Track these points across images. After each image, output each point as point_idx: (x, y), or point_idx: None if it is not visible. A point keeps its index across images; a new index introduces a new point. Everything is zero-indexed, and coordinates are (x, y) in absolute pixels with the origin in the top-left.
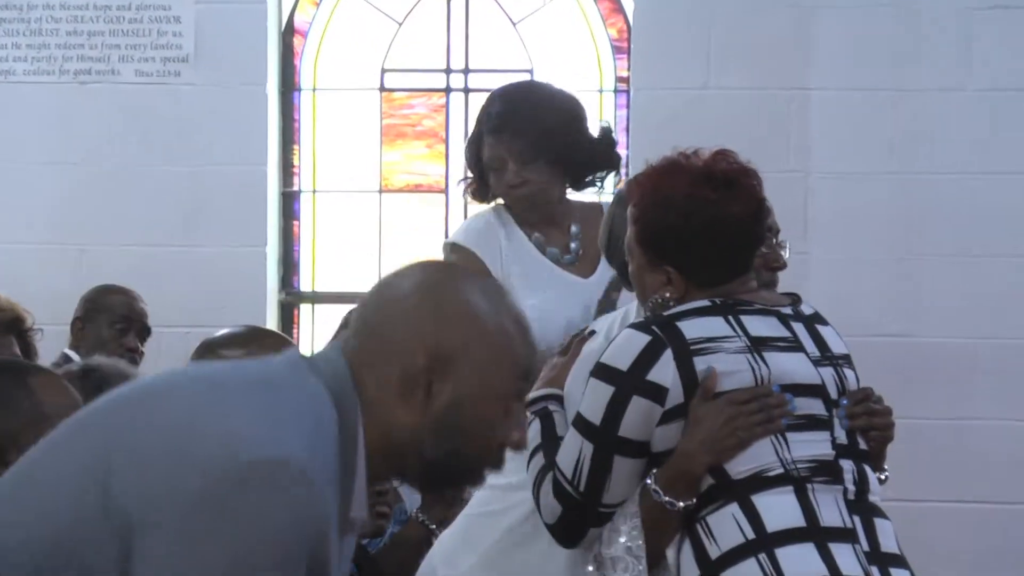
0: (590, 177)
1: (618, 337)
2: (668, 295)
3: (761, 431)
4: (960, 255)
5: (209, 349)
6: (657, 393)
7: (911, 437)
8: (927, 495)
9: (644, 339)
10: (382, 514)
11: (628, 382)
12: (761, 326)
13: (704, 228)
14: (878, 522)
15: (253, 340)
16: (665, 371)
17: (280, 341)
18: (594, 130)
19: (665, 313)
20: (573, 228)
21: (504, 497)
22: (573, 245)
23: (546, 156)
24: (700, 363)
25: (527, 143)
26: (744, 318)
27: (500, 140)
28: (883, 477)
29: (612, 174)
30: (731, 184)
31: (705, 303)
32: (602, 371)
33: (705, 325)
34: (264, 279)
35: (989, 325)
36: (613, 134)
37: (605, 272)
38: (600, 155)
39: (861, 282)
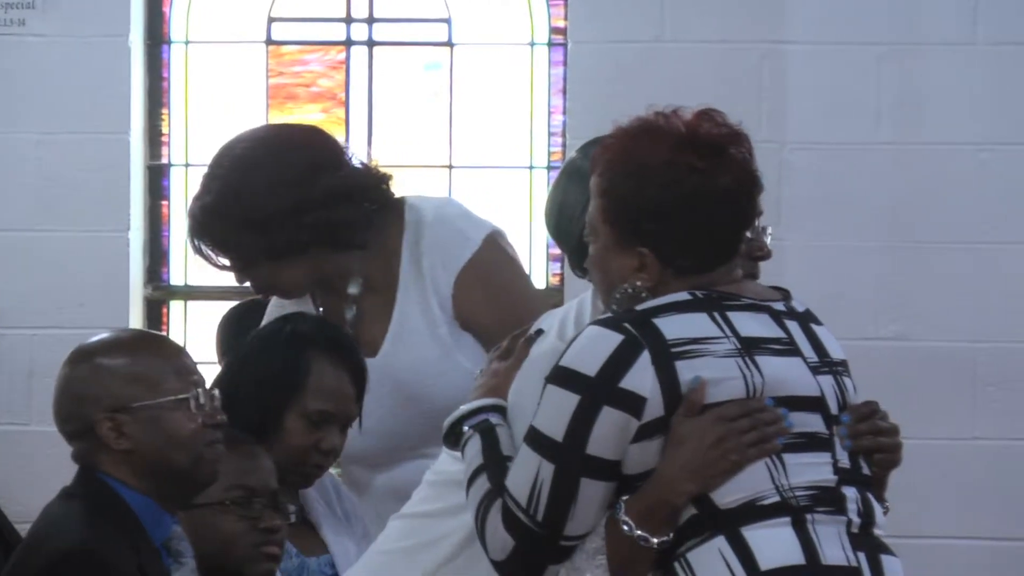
0: (346, 235)
1: (581, 336)
2: (640, 283)
3: (755, 453)
4: (965, 242)
5: (86, 357)
6: (632, 403)
7: (906, 460)
8: (927, 530)
9: (615, 339)
10: (271, 555)
11: (597, 390)
12: (752, 324)
13: (688, 202)
14: (885, 560)
15: (140, 347)
16: (642, 377)
17: (172, 349)
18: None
19: (638, 308)
20: (351, 289)
21: (426, 528)
22: (349, 316)
23: (264, 255)
24: (683, 368)
25: (230, 254)
26: (732, 315)
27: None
28: (884, 508)
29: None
30: (720, 151)
31: (685, 296)
32: (563, 376)
33: (687, 323)
34: (126, 270)
35: (1001, 326)
36: (362, 166)
37: (403, 339)
38: (347, 207)
39: (847, 275)
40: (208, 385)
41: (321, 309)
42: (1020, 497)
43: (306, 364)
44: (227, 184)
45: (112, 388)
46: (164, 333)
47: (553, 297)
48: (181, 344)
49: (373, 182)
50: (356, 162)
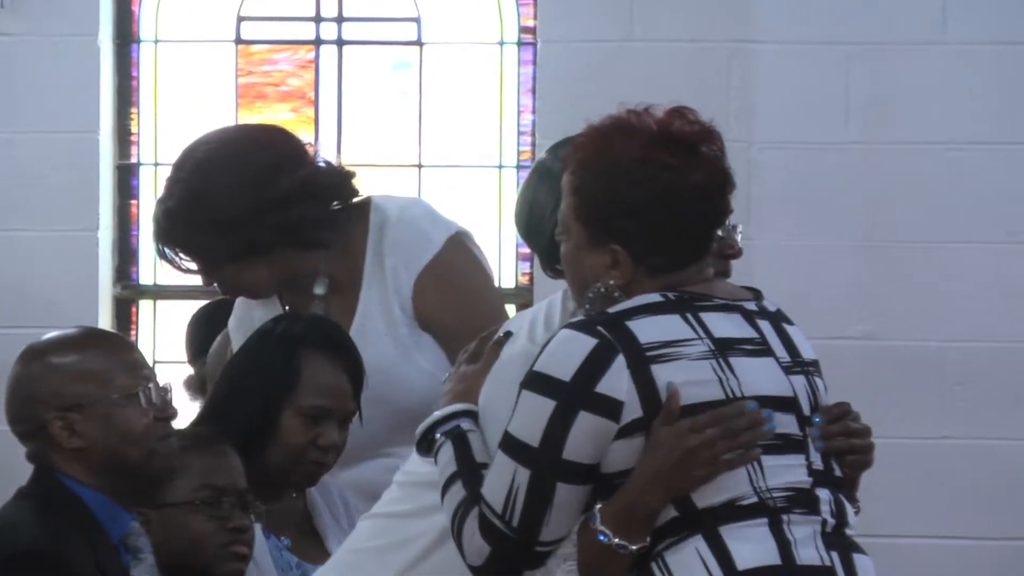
0: (309, 234)
1: (554, 340)
2: (613, 282)
3: (728, 463)
4: (935, 242)
5: (36, 356)
6: (609, 407)
7: (876, 459)
8: (896, 529)
9: (589, 343)
10: (240, 555)
11: (573, 395)
12: (725, 325)
13: (660, 199)
14: (858, 559)
15: (89, 344)
16: (618, 381)
17: (121, 345)
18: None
19: (610, 310)
20: (317, 289)
21: (396, 528)
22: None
23: (228, 256)
24: (659, 371)
25: (194, 257)
26: (705, 316)
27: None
28: (856, 509)
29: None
30: (692, 149)
31: (657, 298)
32: (537, 382)
33: (661, 325)
34: (96, 269)
35: (970, 326)
36: (322, 165)
37: (364, 339)
38: (310, 207)
39: (815, 275)
40: (168, 381)
41: (287, 308)
42: (990, 496)
43: (298, 361)
44: (189, 188)
45: (62, 387)
46: (132, 332)
47: (523, 297)
48: (151, 341)
49: (337, 181)
50: (321, 161)
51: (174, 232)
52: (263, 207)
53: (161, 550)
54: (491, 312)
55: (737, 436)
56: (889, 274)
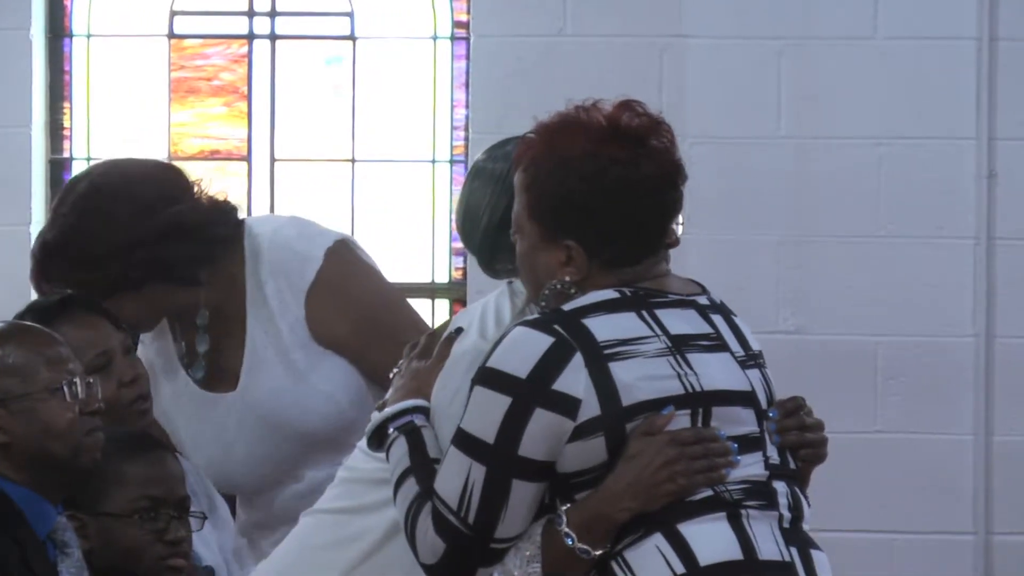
0: (180, 271)
1: (509, 337)
2: (568, 278)
3: (702, 480)
4: (865, 236)
5: None
6: (567, 405)
7: None
8: (828, 523)
9: (546, 341)
10: (176, 568)
11: (529, 392)
12: (680, 321)
13: (612, 193)
14: (815, 555)
15: (11, 339)
16: (575, 379)
17: (44, 339)
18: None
19: (566, 307)
20: (199, 320)
21: (340, 525)
22: (202, 349)
23: (98, 292)
24: (617, 369)
25: (84, 285)
26: (660, 312)
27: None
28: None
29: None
30: (642, 141)
31: (613, 295)
32: (492, 378)
33: (617, 323)
34: (27, 264)
35: (901, 320)
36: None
37: (256, 370)
38: (182, 244)
39: (747, 269)
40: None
41: (183, 343)
42: (922, 490)
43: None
44: (66, 223)
45: None
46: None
47: (456, 292)
48: None
49: (213, 218)
50: (204, 197)
51: (48, 267)
52: (131, 244)
53: (97, 556)
54: (391, 310)
55: (712, 457)
56: (820, 268)
